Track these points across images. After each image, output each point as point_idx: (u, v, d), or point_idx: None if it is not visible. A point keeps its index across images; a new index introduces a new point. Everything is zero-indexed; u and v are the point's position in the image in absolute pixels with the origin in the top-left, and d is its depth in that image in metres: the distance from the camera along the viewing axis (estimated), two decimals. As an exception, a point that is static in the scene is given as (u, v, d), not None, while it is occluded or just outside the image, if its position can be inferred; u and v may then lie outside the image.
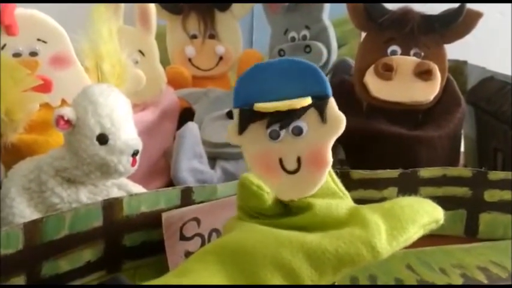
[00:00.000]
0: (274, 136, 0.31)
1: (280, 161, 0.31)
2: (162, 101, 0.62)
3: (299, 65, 0.31)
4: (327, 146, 0.31)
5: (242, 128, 0.32)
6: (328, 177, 0.32)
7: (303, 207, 0.31)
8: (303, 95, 0.31)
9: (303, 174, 0.31)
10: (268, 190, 0.31)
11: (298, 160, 0.31)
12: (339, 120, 0.31)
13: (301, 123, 0.31)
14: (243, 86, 0.32)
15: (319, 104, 0.31)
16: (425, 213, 0.30)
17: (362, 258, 0.28)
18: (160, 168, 0.60)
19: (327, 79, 0.31)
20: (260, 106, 0.31)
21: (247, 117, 0.32)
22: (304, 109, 0.31)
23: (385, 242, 0.28)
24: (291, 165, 0.31)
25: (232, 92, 0.63)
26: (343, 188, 0.33)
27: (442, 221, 0.31)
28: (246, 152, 0.32)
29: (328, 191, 0.32)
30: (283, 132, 0.31)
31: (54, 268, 0.40)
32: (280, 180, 0.31)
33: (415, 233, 0.30)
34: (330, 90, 0.31)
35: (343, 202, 0.32)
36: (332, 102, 0.31)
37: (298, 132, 0.31)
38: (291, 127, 0.31)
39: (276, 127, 0.31)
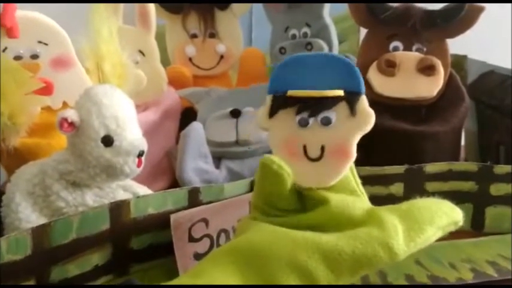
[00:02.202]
0: (302, 123, 0.32)
1: (304, 148, 0.32)
2: (164, 101, 0.62)
3: (336, 60, 0.32)
4: (352, 138, 0.31)
5: (273, 112, 0.33)
6: (350, 174, 0.32)
7: (319, 200, 0.31)
8: (337, 88, 0.32)
9: (325, 163, 0.32)
10: (289, 171, 0.31)
11: (322, 149, 0.32)
12: (368, 116, 0.32)
13: (330, 113, 0.32)
14: (279, 74, 0.33)
15: (351, 99, 0.32)
16: (443, 215, 0.30)
17: (379, 259, 0.28)
18: (164, 168, 0.60)
19: (361, 77, 0.32)
20: (293, 92, 0.32)
21: (279, 103, 0.33)
22: (335, 101, 0.32)
23: (403, 243, 0.28)
24: (315, 152, 0.32)
25: (234, 90, 0.63)
26: (361, 188, 0.33)
27: (461, 223, 0.31)
28: (273, 136, 0.33)
29: (347, 186, 0.32)
30: (311, 120, 0.32)
31: (63, 273, 0.39)
32: (302, 166, 0.32)
33: (433, 234, 0.30)
34: (363, 87, 0.32)
35: (360, 201, 0.31)
36: (364, 99, 0.32)
37: (326, 122, 0.32)
38: (320, 116, 0.32)
39: (305, 115, 0.32)
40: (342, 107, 0.32)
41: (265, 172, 0.32)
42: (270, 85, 0.33)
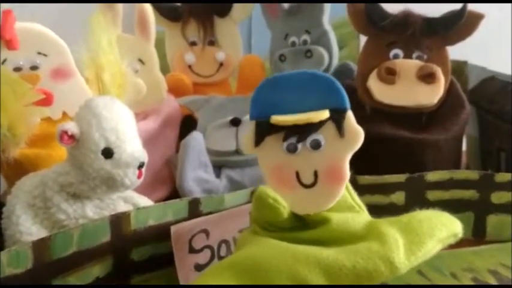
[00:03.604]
0: (291, 149, 0.31)
1: (297, 174, 0.31)
2: (163, 109, 0.62)
3: (317, 78, 0.31)
4: (344, 160, 0.31)
5: (258, 140, 0.32)
6: (345, 191, 0.32)
7: (319, 221, 0.31)
8: (321, 108, 0.31)
9: (320, 189, 0.31)
10: (285, 204, 0.31)
11: (315, 174, 0.31)
12: (356, 135, 0.31)
13: (318, 136, 0.31)
14: (260, 97, 0.32)
15: (337, 117, 0.31)
16: (443, 227, 0.30)
17: (380, 273, 0.28)
18: (164, 177, 0.60)
19: (344, 92, 0.31)
20: (277, 119, 0.31)
21: (264, 130, 0.31)
22: (321, 122, 0.31)
23: (404, 257, 0.28)
24: (308, 179, 0.31)
25: (234, 98, 0.63)
26: (359, 202, 0.33)
27: (460, 235, 0.31)
28: (262, 164, 0.32)
29: (344, 204, 0.32)
30: (300, 146, 0.31)
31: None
32: (296, 193, 0.31)
33: (433, 247, 0.30)
34: (347, 103, 0.31)
35: (359, 216, 0.31)
36: (350, 116, 0.31)
37: (316, 145, 0.31)
38: (308, 140, 0.31)
39: (293, 140, 0.31)
40: (329, 127, 0.31)
41: (260, 205, 0.31)
42: (251, 109, 0.32)
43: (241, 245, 0.33)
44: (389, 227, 0.30)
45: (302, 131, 0.31)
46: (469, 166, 0.67)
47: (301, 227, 0.32)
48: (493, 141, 0.61)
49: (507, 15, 0.85)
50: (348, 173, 0.31)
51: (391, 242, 0.29)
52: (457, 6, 0.54)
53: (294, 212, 0.32)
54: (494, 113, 0.60)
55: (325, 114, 0.30)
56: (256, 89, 0.32)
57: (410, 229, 0.30)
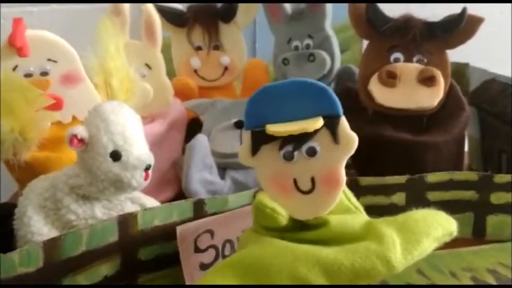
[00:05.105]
0: (288, 157, 0.31)
1: (295, 181, 0.32)
2: (170, 113, 0.63)
3: (309, 86, 0.31)
4: (340, 166, 0.31)
5: (255, 150, 0.32)
6: (342, 194, 0.33)
7: (319, 223, 0.32)
8: (314, 115, 0.31)
9: (318, 194, 0.31)
10: (283, 213, 0.32)
11: (312, 180, 0.31)
12: (351, 141, 0.31)
13: (314, 143, 0.31)
14: (254, 107, 0.32)
15: (331, 124, 0.31)
16: (439, 226, 0.31)
17: (377, 272, 0.29)
18: (170, 179, 0.61)
19: (337, 98, 0.31)
20: (272, 129, 0.31)
21: (260, 139, 0.32)
22: (316, 130, 0.31)
23: (400, 256, 0.29)
24: (306, 185, 0.32)
25: (239, 101, 0.64)
26: (356, 203, 0.34)
27: (455, 233, 0.32)
28: (260, 173, 0.32)
29: (341, 207, 0.33)
30: (296, 153, 0.31)
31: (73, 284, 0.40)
32: (295, 200, 0.32)
33: (429, 245, 0.30)
34: (341, 110, 0.31)
35: (356, 217, 0.32)
36: (343, 122, 0.31)
37: (311, 153, 0.31)
38: (304, 148, 0.31)
39: (289, 148, 0.31)
40: (324, 134, 0.31)
41: (259, 214, 0.32)
42: (246, 120, 0.32)
43: (243, 244, 0.34)
44: (386, 226, 0.31)
45: (298, 139, 0.31)
46: (471, 167, 0.67)
47: (301, 228, 0.32)
48: (494, 142, 0.62)
49: (508, 17, 0.86)
50: (344, 178, 0.31)
51: (388, 242, 0.30)
52: (458, 6, 0.55)
53: (293, 217, 0.32)
54: (495, 115, 0.61)
55: (319, 122, 0.31)
56: (248, 99, 0.32)
57: (407, 228, 0.31)
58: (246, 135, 0.32)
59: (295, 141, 0.31)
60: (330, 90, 0.31)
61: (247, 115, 0.32)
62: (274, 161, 0.32)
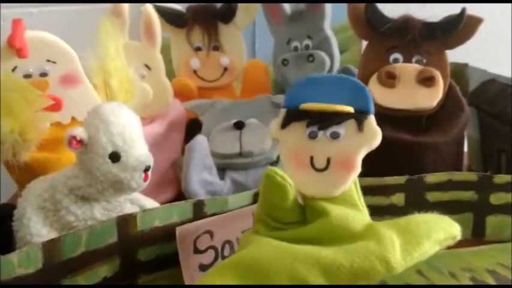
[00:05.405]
0: (312, 135, 0.34)
1: (311, 159, 0.34)
2: (169, 113, 0.63)
3: (347, 81, 0.35)
4: (358, 152, 0.33)
5: (285, 124, 0.35)
6: (353, 188, 0.33)
7: (319, 211, 0.32)
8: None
9: (330, 174, 0.33)
10: (292, 183, 0.33)
11: (328, 161, 0.33)
12: (375, 133, 0.33)
13: (339, 129, 0.34)
14: (295, 91, 0.35)
15: (360, 117, 0.34)
16: (441, 230, 0.31)
17: (376, 272, 0.29)
18: (170, 179, 0.61)
19: (371, 98, 0.34)
20: (305, 105, 0.34)
21: (292, 116, 0.35)
22: (344, 117, 0.33)
23: (399, 257, 0.29)
24: (320, 164, 0.34)
25: (238, 102, 0.64)
26: (363, 202, 0.34)
27: (459, 237, 0.32)
28: (283, 146, 0.35)
29: (350, 199, 0.33)
30: (320, 134, 0.34)
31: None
32: (307, 176, 0.34)
33: (430, 248, 0.31)
34: (372, 108, 0.34)
35: (360, 215, 0.33)
36: (372, 119, 0.34)
37: (335, 136, 0.34)
38: (329, 131, 0.34)
39: (315, 128, 0.34)
40: (351, 123, 0.34)
41: (268, 183, 0.33)
42: (286, 99, 0.36)
43: (242, 245, 0.34)
44: (386, 228, 0.31)
45: (325, 121, 0.34)
46: (471, 168, 0.67)
47: (301, 221, 0.33)
48: (494, 142, 0.62)
49: (508, 17, 0.86)
50: (359, 166, 0.33)
51: (387, 242, 0.30)
52: (458, 6, 0.55)
53: (303, 193, 0.34)
54: (495, 115, 0.61)
55: (349, 108, 0.33)
56: (293, 83, 0.35)
57: (408, 230, 0.31)
58: (282, 111, 0.36)
59: (322, 122, 0.34)
60: (367, 89, 0.34)
61: (287, 96, 0.36)
62: (298, 137, 0.34)
